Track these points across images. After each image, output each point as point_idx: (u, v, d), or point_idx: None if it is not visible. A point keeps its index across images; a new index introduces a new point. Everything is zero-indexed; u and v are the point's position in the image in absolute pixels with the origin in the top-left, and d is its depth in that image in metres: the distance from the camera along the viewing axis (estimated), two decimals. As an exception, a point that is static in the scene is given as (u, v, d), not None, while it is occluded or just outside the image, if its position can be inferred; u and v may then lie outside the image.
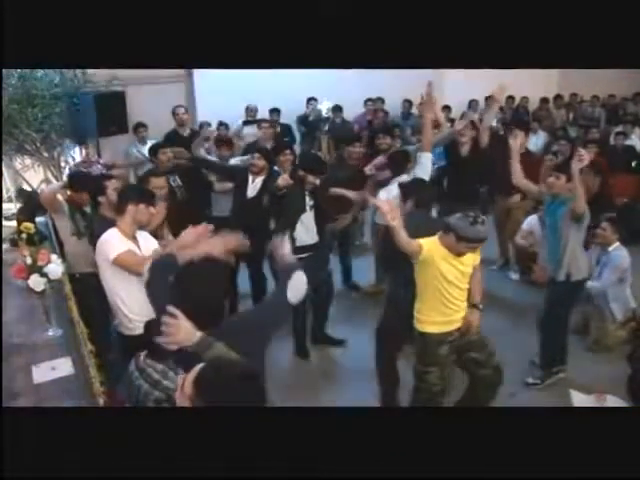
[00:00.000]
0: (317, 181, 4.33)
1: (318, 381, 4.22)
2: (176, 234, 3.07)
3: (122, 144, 6.68)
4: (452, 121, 6.44)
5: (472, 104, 9.36)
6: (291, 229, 4.15)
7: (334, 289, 4.75)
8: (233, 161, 5.38)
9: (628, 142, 7.57)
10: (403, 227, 2.96)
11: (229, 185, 4.99)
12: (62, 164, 6.31)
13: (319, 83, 8.20)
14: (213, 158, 5.35)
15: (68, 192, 4.07)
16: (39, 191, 4.76)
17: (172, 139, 5.70)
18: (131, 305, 3.22)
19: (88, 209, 3.97)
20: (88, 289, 3.58)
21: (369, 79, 8.16)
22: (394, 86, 8.56)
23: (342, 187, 4.87)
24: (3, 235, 4.23)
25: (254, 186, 4.71)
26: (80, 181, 4.08)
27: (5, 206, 4.91)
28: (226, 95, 7.93)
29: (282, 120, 8.30)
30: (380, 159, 4.91)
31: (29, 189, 5.02)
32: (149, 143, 6.03)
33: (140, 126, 6.72)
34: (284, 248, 2.45)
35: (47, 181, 5.97)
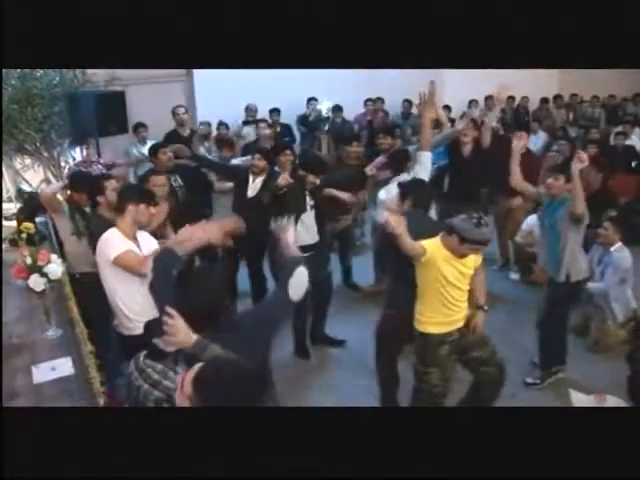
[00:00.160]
0: (317, 181, 4.33)
1: (318, 381, 4.22)
2: (178, 234, 3.08)
3: (122, 144, 6.68)
4: (452, 121, 6.44)
5: (472, 104, 9.36)
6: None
7: (333, 289, 4.75)
8: (234, 162, 5.38)
9: (628, 142, 7.57)
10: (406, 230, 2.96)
11: (229, 185, 4.99)
12: (62, 164, 6.31)
13: (319, 83, 8.20)
14: (213, 158, 5.36)
15: (68, 192, 4.07)
16: (39, 191, 4.75)
17: (172, 139, 5.70)
18: (131, 305, 3.22)
19: (88, 209, 3.97)
20: (88, 289, 3.58)
21: (369, 79, 8.17)
22: (394, 86, 8.56)
23: (342, 187, 4.87)
24: (3, 235, 4.23)
25: (254, 186, 4.71)
26: (79, 181, 4.08)
27: (5, 206, 4.90)
28: (226, 95, 7.93)
29: (282, 120, 8.31)
30: (380, 159, 4.91)
31: (29, 189, 5.01)
32: (149, 143, 6.04)
33: (140, 126, 6.72)
34: (288, 233, 2.44)
35: (47, 181, 5.96)
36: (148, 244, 3.30)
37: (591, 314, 4.65)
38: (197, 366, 1.60)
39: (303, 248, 4.21)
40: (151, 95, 7.45)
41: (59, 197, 3.93)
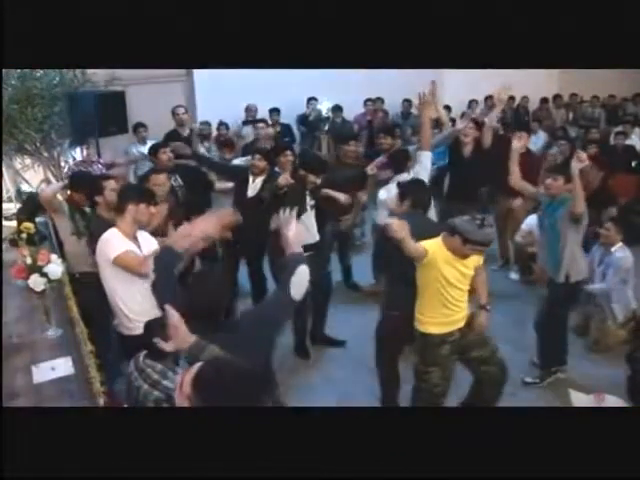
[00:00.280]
0: (318, 180, 4.32)
1: (318, 381, 4.22)
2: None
3: (122, 144, 6.68)
4: (453, 121, 6.45)
5: (472, 104, 9.36)
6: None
7: (332, 289, 4.75)
8: (235, 162, 5.38)
9: (628, 142, 7.57)
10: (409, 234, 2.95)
11: (229, 185, 4.99)
12: (62, 164, 6.31)
13: (319, 83, 8.20)
14: (213, 157, 5.36)
15: (68, 192, 4.07)
16: (39, 191, 4.76)
17: (172, 139, 5.69)
18: (131, 305, 3.22)
19: (88, 209, 3.97)
20: (88, 289, 3.58)
21: (369, 79, 8.16)
22: (394, 86, 8.56)
23: (342, 187, 4.86)
24: (3, 235, 4.23)
25: (254, 186, 4.71)
26: (79, 181, 4.08)
27: (5, 206, 4.90)
28: (226, 95, 7.93)
29: (282, 120, 8.31)
30: (381, 159, 4.92)
31: (29, 189, 5.01)
32: (149, 143, 6.04)
33: (140, 126, 6.72)
34: (290, 227, 2.42)
35: (47, 181, 5.96)
36: (148, 244, 3.30)
37: (591, 314, 4.65)
38: (196, 366, 1.60)
39: (303, 248, 4.25)
40: (151, 95, 7.45)
41: (59, 197, 3.93)
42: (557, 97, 10.36)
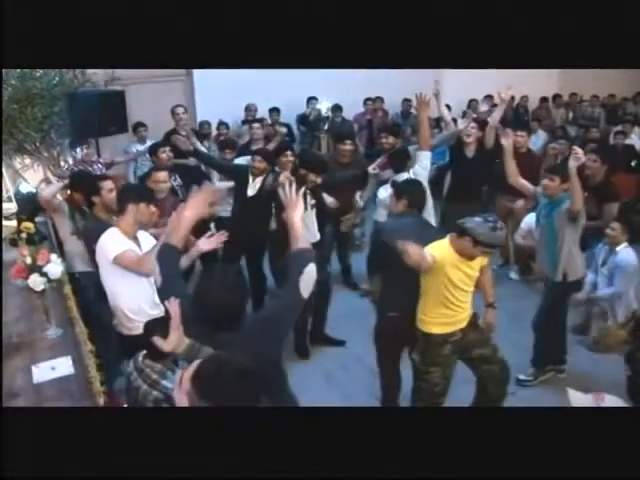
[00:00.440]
0: (318, 179, 4.32)
1: (317, 381, 4.22)
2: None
3: (122, 144, 6.68)
4: (454, 121, 6.45)
5: (472, 104, 9.36)
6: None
7: (332, 289, 4.75)
8: (236, 161, 5.38)
9: (628, 141, 7.57)
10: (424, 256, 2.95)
11: (229, 184, 4.99)
12: (62, 163, 6.31)
13: (319, 83, 8.19)
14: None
15: (68, 192, 4.07)
16: (39, 190, 4.75)
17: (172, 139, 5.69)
18: (131, 305, 3.22)
19: (87, 209, 3.97)
20: (88, 289, 3.58)
21: (369, 79, 8.16)
22: (394, 86, 8.56)
23: (342, 187, 4.87)
24: (3, 235, 4.23)
25: (254, 185, 4.71)
26: (78, 181, 4.08)
27: (5, 206, 4.90)
28: (226, 95, 7.93)
29: (282, 120, 8.31)
30: (383, 159, 4.92)
31: (27, 190, 5.00)
32: (149, 142, 6.04)
33: (140, 125, 6.72)
34: (297, 205, 2.39)
35: (47, 181, 5.96)
36: (148, 244, 3.30)
37: (592, 314, 4.64)
38: (196, 362, 1.60)
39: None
40: (151, 95, 7.45)
41: (59, 197, 3.93)
42: (557, 96, 10.36)
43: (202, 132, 7.30)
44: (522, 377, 4.09)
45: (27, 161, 6.36)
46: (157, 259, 2.42)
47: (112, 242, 3.16)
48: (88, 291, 3.58)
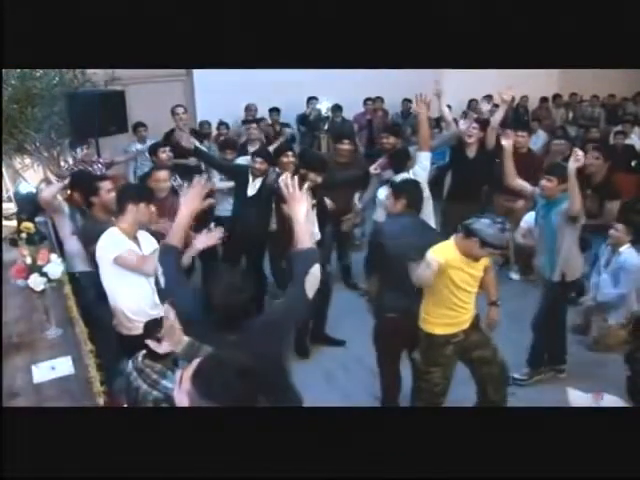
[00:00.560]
0: (319, 179, 4.32)
1: (317, 381, 4.22)
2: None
3: (122, 144, 6.68)
4: (455, 121, 6.45)
5: (472, 104, 9.36)
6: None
7: (332, 289, 4.75)
8: (236, 162, 5.38)
9: (628, 141, 7.57)
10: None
11: (229, 184, 5.00)
12: (62, 163, 6.31)
13: (319, 83, 8.19)
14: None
15: (68, 191, 4.07)
16: (39, 190, 4.76)
17: (171, 139, 5.69)
18: (130, 305, 3.23)
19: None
20: (88, 289, 3.58)
21: (369, 79, 8.16)
22: (394, 85, 8.56)
23: (345, 187, 4.88)
24: (3, 235, 4.23)
25: (254, 185, 4.71)
26: (77, 181, 4.08)
27: (5, 206, 4.90)
28: (226, 95, 7.93)
29: (282, 120, 8.32)
30: (384, 159, 4.93)
31: (28, 189, 5.00)
32: (149, 142, 6.04)
33: (140, 125, 6.72)
34: (297, 194, 2.36)
35: (47, 181, 5.97)
36: (148, 244, 3.30)
37: (593, 314, 4.64)
38: (196, 361, 1.60)
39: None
40: (151, 95, 7.45)
41: (59, 197, 3.93)
42: (557, 96, 10.36)
43: (202, 132, 7.30)
44: (517, 376, 4.09)
45: (27, 161, 6.36)
46: (158, 260, 2.42)
47: (112, 242, 3.16)
48: (88, 291, 3.58)
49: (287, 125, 8.29)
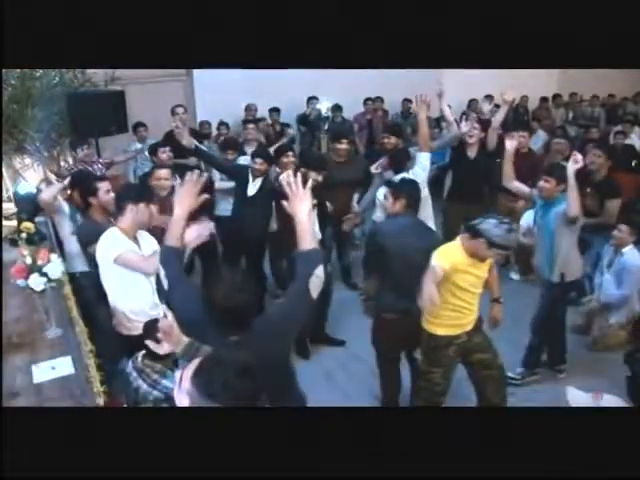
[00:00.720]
0: (319, 178, 4.32)
1: (317, 381, 4.22)
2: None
3: (121, 143, 6.68)
4: (455, 122, 6.46)
5: (472, 104, 9.37)
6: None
7: (332, 289, 4.75)
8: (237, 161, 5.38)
9: (628, 141, 7.57)
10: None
11: (230, 184, 5.00)
12: (62, 163, 6.31)
13: (319, 83, 8.20)
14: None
15: (68, 192, 4.07)
16: (39, 190, 4.76)
17: (171, 139, 5.69)
18: (130, 305, 3.23)
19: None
20: (88, 289, 3.58)
21: (369, 79, 8.16)
22: (394, 85, 8.56)
23: (344, 187, 4.88)
24: (3, 235, 4.23)
25: (254, 185, 4.72)
26: (77, 181, 4.08)
27: (5, 206, 4.90)
28: (226, 95, 7.93)
29: (282, 119, 8.32)
30: (385, 159, 4.93)
31: (28, 189, 5.00)
32: (149, 142, 6.04)
33: (140, 125, 6.72)
34: (303, 197, 2.29)
35: (47, 181, 5.97)
36: (148, 244, 3.31)
37: (593, 313, 4.64)
38: (196, 361, 1.60)
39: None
40: (151, 95, 7.45)
41: (59, 198, 3.93)
42: (557, 96, 10.36)
43: (202, 132, 7.30)
44: (510, 375, 4.09)
45: (27, 161, 6.36)
46: (160, 263, 2.41)
47: (113, 242, 3.16)
48: (88, 291, 3.58)
49: (287, 125, 8.29)
